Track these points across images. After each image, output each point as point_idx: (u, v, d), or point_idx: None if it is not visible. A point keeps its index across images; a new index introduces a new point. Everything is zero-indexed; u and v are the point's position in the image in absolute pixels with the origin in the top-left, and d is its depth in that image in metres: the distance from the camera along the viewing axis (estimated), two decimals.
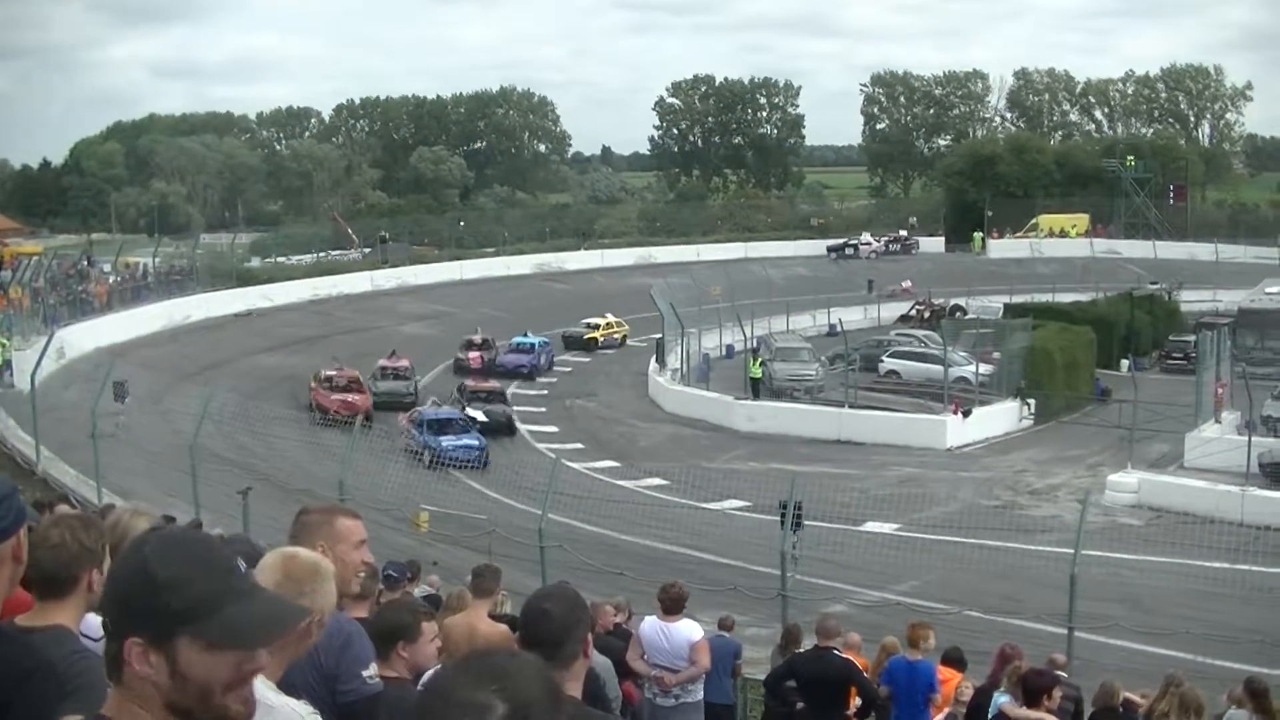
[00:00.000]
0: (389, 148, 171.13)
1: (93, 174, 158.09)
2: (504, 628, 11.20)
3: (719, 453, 50.10)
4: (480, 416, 51.72)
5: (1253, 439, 44.75)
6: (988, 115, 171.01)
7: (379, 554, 19.37)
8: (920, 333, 67.24)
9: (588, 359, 71.97)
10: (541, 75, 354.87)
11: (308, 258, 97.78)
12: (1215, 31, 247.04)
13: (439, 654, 7.18)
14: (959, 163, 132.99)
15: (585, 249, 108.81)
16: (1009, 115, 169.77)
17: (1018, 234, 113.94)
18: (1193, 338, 61.42)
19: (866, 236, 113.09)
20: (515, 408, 57.91)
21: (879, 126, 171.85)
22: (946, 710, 15.78)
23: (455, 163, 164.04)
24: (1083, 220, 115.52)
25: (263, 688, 3.31)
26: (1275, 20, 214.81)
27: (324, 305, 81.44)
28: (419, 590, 18.52)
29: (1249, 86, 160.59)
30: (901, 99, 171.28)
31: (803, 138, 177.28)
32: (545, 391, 62.93)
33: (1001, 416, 54.91)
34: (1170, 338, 69.74)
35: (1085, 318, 66.41)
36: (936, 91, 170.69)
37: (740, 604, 25.18)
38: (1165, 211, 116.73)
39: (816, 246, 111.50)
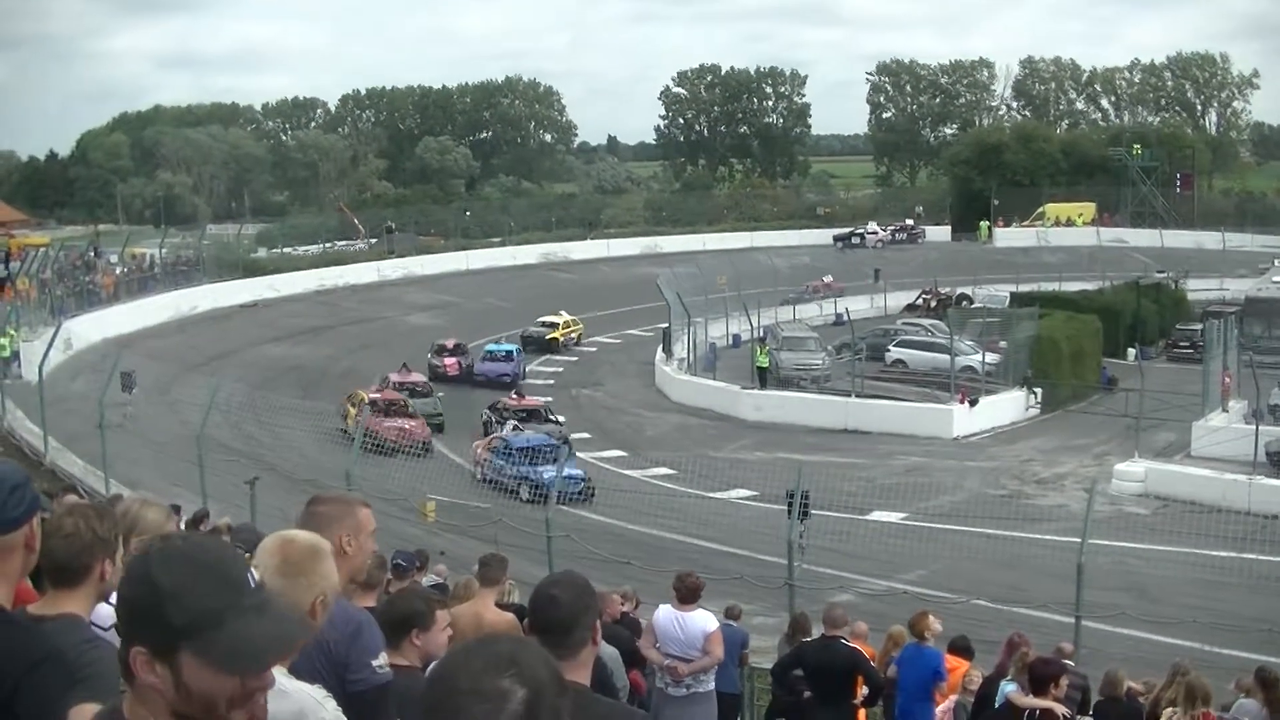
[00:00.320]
0: (395, 138, 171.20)
1: (99, 165, 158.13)
2: (511, 617, 11.21)
3: (725, 442, 50.06)
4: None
5: (1260, 428, 44.66)
6: (994, 104, 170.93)
7: (387, 544, 19.47)
8: (927, 322, 67.19)
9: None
10: (545, 65, 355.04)
11: (314, 248, 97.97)
12: (1220, 20, 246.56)
13: (448, 643, 7.20)
14: (965, 152, 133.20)
15: (591, 239, 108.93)
16: (1015, 104, 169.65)
17: (1024, 223, 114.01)
18: (1199, 326, 61.46)
19: (873, 226, 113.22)
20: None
21: (885, 116, 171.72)
22: (954, 699, 15.81)
23: (461, 153, 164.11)
24: (1089, 209, 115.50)
25: (277, 673, 3.30)
26: None
27: (330, 296, 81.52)
28: (426, 580, 18.54)
29: (1255, 75, 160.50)
30: (907, 88, 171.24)
31: (809, 127, 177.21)
32: (552, 381, 62.85)
33: (1008, 406, 54.84)
34: (1177, 327, 69.63)
35: (1092, 307, 66.24)
36: (942, 80, 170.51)
37: (747, 593, 25.18)
38: (1172, 200, 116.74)
39: (823, 236, 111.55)
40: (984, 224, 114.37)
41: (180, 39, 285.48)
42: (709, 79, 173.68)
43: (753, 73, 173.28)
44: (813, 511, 27.29)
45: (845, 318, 62.97)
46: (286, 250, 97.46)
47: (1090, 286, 75.90)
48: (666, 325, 63.35)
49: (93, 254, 77.82)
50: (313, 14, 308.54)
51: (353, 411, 45.48)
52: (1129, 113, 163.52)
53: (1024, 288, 75.80)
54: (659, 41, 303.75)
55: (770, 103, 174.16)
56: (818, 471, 34.03)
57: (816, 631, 16.03)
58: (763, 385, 56.72)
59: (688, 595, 14.46)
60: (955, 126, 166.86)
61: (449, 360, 61.79)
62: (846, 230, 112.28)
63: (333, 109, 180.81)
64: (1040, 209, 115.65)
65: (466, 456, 44.44)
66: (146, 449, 38.82)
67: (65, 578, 4.82)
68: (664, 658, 14.19)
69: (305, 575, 4.92)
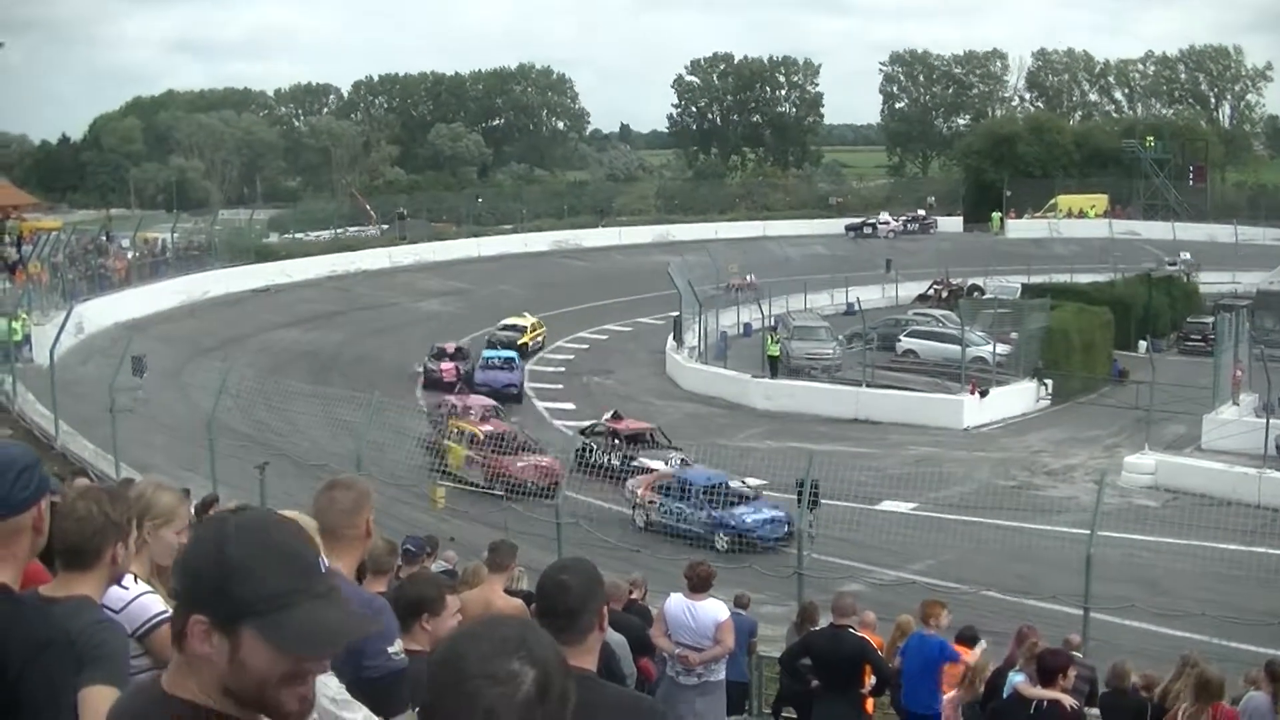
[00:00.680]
0: (407, 124, 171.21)
1: (111, 150, 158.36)
2: (519, 602, 11.25)
3: (736, 431, 50.05)
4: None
5: (1270, 421, 44.64)
6: (1007, 95, 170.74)
7: (397, 530, 19.54)
8: (938, 312, 67.04)
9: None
10: (558, 52, 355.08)
11: (326, 234, 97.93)
12: (1234, 12, 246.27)
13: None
14: (978, 142, 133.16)
15: (603, 226, 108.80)
16: (1028, 95, 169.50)
17: (1036, 214, 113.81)
18: (1211, 319, 61.40)
19: (885, 216, 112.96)
20: (530, 384, 57.94)
21: (898, 106, 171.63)
22: (956, 691, 15.85)
23: (473, 139, 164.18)
24: (1102, 201, 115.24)
25: None
26: None
27: (342, 281, 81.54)
28: (436, 566, 18.56)
29: (1269, 67, 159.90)
30: (920, 78, 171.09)
31: (821, 116, 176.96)
32: (562, 369, 62.88)
33: (1019, 397, 54.83)
34: (1188, 319, 69.60)
35: (1103, 298, 66.18)
36: (956, 71, 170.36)
37: (756, 582, 25.24)
38: (1185, 193, 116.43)
39: (834, 225, 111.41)
40: (996, 215, 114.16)
41: (194, 24, 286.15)
42: (722, 67, 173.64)
43: (765, 62, 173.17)
44: (822, 501, 27.32)
45: (857, 307, 62.76)
46: (298, 236, 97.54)
47: (1102, 278, 75.79)
48: (678, 313, 63.34)
49: (104, 238, 77.90)
50: (326, 0, 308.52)
51: (458, 450, 39.65)
52: (1142, 105, 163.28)
53: (1035, 279, 75.71)
54: (672, 29, 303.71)
55: (783, 92, 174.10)
56: (828, 461, 34.00)
57: (825, 620, 16.06)
58: (773, 374, 56.64)
59: (699, 584, 14.48)
60: (968, 117, 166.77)
61: (446, 366, 57.52)
62: (858, 220, 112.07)
63: (345, 95, 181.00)
64: (1052, 200, 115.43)
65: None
66: (157, 433, 38.85)
67: (76, 560, 4.83)
68: (675, 646, 14.21)
69: None
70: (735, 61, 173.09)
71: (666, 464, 39.59)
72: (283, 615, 2.96)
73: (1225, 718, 13.30)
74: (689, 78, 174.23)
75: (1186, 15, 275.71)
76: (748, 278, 74.20)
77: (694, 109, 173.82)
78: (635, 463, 40.15)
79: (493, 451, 38.25)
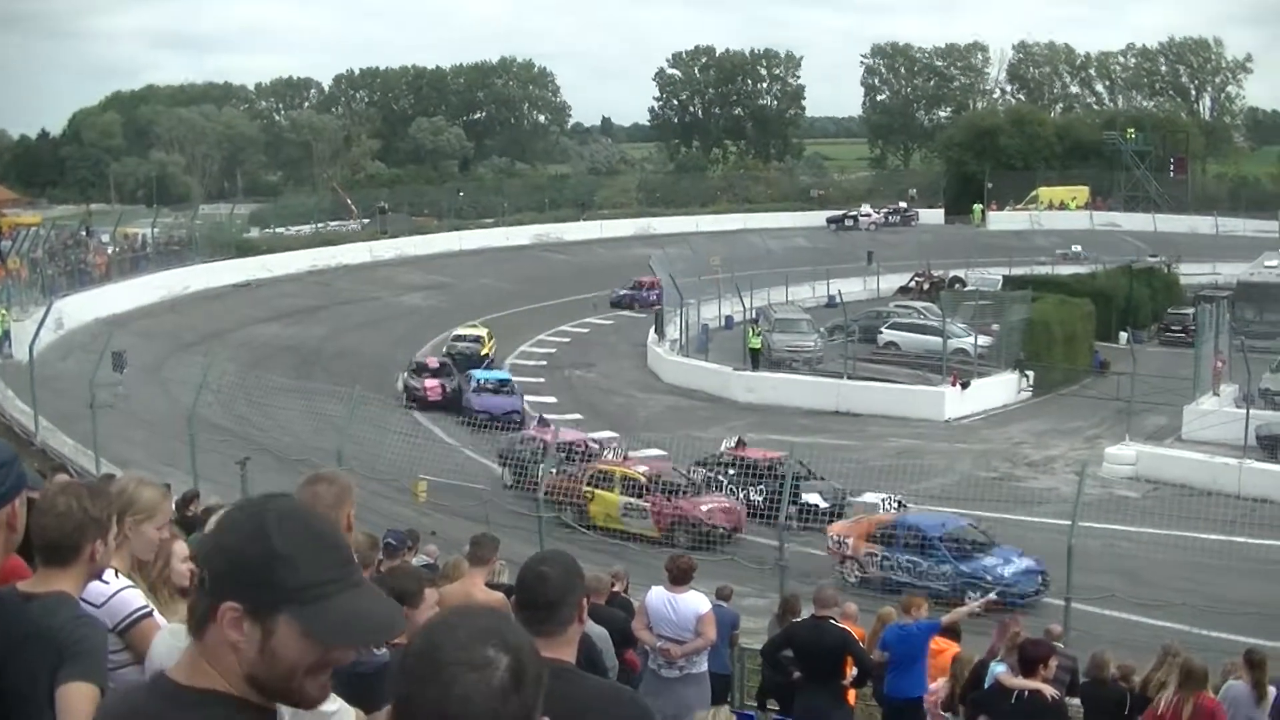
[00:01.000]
0: (388, 118, 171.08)
1: (91, 144, 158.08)
2: (500, 595, 11.23)
3: (717, 423, 50.00)
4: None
5: (1250, 412, 44.74)
6: (988, 87, 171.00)
7: (378, 524, 19.53)
8: (919, 304, 67.11)
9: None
10: (539, 46, 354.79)
11: (307, 228, 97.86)
12: (1215, 4, 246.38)
13: None
14: (959, 135, 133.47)
15: (584, 220, 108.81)
16: (1009, 87, 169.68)
17: (1018, 206, 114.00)
18: (1192, 310, 61.55)
19: (866, 208, 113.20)
20: (515, 376, 57.94)
21: (879, 98, 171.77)
22: (943, 680, 15.88)
23: (454, 133, 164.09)
24: (1083, 193, 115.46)
25: None
26: None
27: (323, 276, 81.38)
28: (417, 560, 18.56)
29: (1249, 59, 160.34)
30: (902, 70, 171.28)
31: (803, 109, 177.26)
32: (544, 362, 62.85)
33: (1000, 388, 54.92)
34: (1169, 310, 69.77)
35: (1084, 290, 66.36)
36: (937, 63, 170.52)
37: (738, 574, 25.26)
38: (1165, 184, 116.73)
39: (816, 218, 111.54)
40: (977, 207, 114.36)
41: (174, 18, 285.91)
42: (703, 60, 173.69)
43: (747, 55, 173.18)
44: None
45: (838, 300, 62.89)
46: (279, 230, 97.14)
47: (1083, 270, 75.96)
48: (659, 307, 63.35)
49: (84, 233, 77.72)
50: None
51: (610, 497, 34.75)
52: (1123, 97, 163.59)
53: (1017, 271, 75.83)
54: (653, 22, 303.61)
55: (765, 85, 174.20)
56: (809, 453, 34.11)
57: (807, 612, 16.09)
58: (755, 367, 56.74)
59: (680, 576, 14.49)
60: (949, 109, 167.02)
61: (431, 383, 51.97)
62: (840, 212, 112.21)
63: (326, 89, 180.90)
64: (1034, 192, 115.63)
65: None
66: (138, 429, 38.82)
67: (55, 556, 4.83)
68: (657, 639, 14.23)
69: None
70: (717, 54, 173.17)
71: (882, 505, 32.93)
72: (322, 605, 2.97)
73: (1206, 706, 13.34)
74: (670, 71, 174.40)
75: (1167, 7, 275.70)
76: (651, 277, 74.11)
77: (675, 102, 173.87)
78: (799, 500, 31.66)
79: (663, 495, 34.32)
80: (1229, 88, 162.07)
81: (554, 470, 32.12)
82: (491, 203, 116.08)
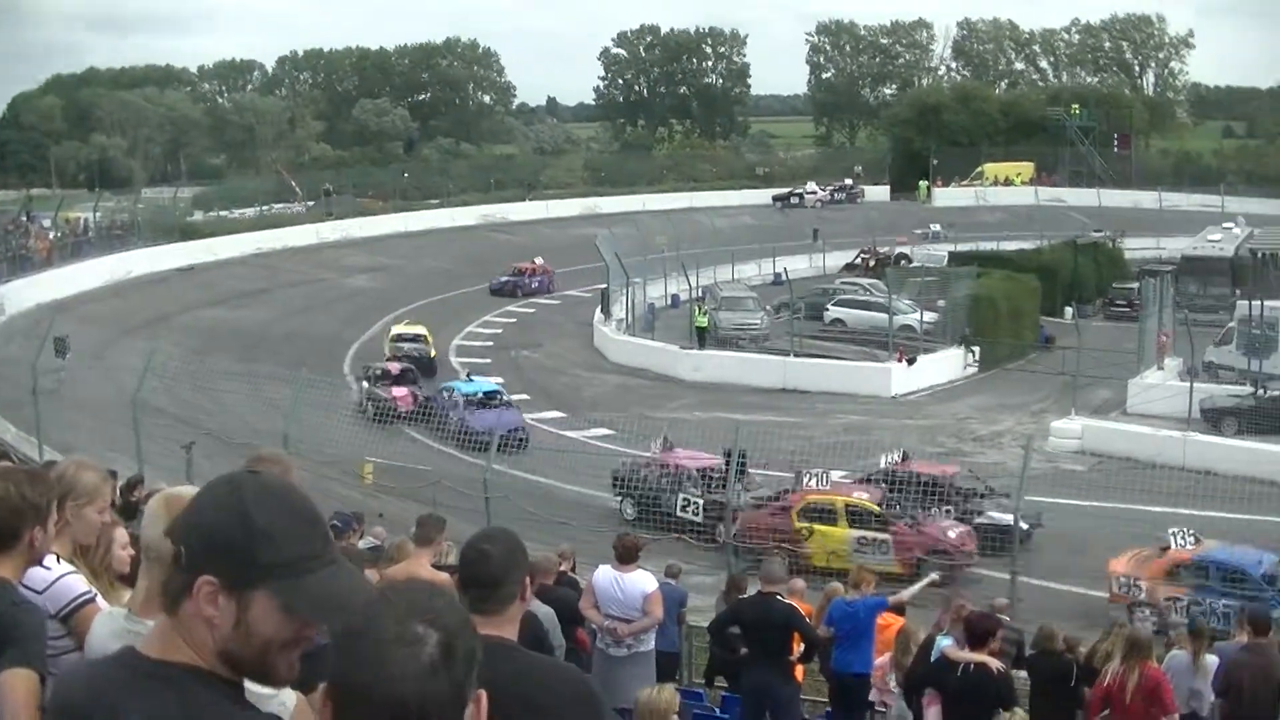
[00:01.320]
0: (333, 100, 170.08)
1: (31, 128, 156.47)
2: (446, 576, 11.22)
3: (665, 402, 50.13)
4: None
5: (1194, 385, 45.11)
6: (933, 65, 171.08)
7: (325, 506, 19.41)
8: (865, 281, 67.26)
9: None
10: (484, 26, 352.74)
11: (251, 211, 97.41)
12: None
13: None
14: (905, 112, 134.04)
15: (530, 200, 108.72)
16: (954, 64, 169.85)
17: (963, 182, 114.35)
18: (1136, 285, 61.91)
19: (812, 185, 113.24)
20: (458, 359, 57.67)
21: (825, 76, 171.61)
22: (888, 655, 15.95)
23: (399, 114, 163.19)
24: (1028, 169, 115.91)
25: None
26: None
27: (268, 259, 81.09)
28: (364, 542, 18.52)
29: (1191, 35, 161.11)
30: (847, 48, 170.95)
31: (748, 87, 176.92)
32: (489, 343, 62.73)
33: (946, 364, 55.13)
34: (1114, 285, 70.11)
35: (1030, 265, 66.58)
36: (882, 41, 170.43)
37: (686, 552, 25.32)
38: (1110, 160, 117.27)
39: (762, 196, 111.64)
40: (923, 183, 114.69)
41: (114, 1, 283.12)
42: (649, 39, 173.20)
43: (693, 33, 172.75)
44: (751, 470, 27.42)
45: (784, 277, 63.01)
46: (223, 214, 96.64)
47: (1028, 245, 76.25)
48: (605, 286, 63.35)
49: (25, 218, 77.13)
50: None
51: (837, 531, 30.01)
52: (1067, 73, 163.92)
53: (962, 247, 76.06)
54: (600, 2, 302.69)
55: (710, 63, 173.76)
56: (756, 431, 34.13)
57: (754, 589, 16.13)
58: (701, 345, 56.72)
59: (626, 555, 14.56)
60: (894, 87, 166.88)
61: (400, 392, 45.17)
62: (786, 190, 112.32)
63: (270, 71, 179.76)
64: (979, 169, 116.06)
65: None
66: (82, 415, 38.59)
67: None
68: (604, 618, 14.27)
69: None
70: (662, 33, 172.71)
71: (1179, 540, 27.28)
72: (301, 581, 2.97)
73: (1151, 676, 13.46)
74: (616, 50, 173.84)
75: None
76: (536, 260, 73.50)
77: (621, 81, 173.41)
78: (982, 518, 29.94)
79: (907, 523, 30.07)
80: (1172, 63, 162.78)
81: (740, 503, 29.03)
82: (437, 184, 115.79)
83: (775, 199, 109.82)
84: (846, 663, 15.90)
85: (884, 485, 31.08)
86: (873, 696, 16.08)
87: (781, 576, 15.25)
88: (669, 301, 65.58)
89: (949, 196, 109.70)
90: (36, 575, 5.25)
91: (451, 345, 59.50)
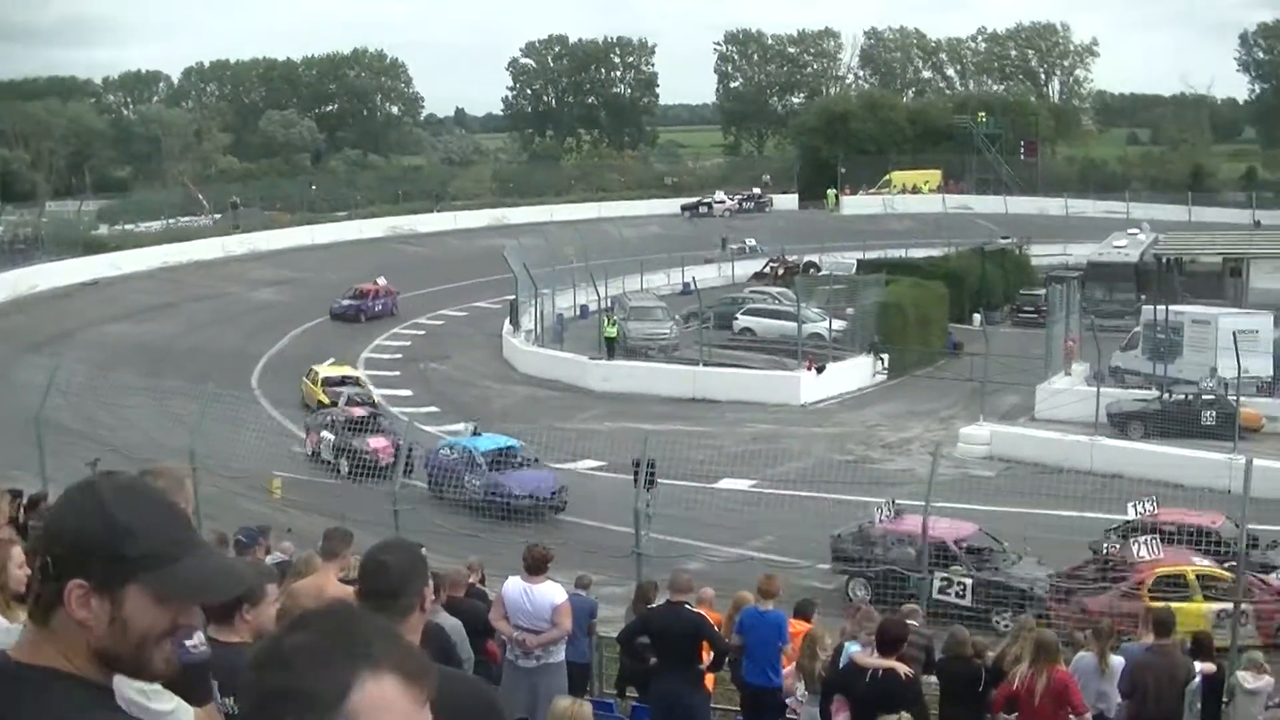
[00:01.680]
0: (239, 112, 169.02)
1: None
2: (351, 590, 11.14)
3: (574, 413, 50.10)
4: None
5: (1101, 390, 45.68)
6: (841, 73, 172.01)
7: (232, 522, 19.29)
8: (774, 290, 67.57)
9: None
10: (392, 36, 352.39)
11: (157, 225, 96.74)
12: None
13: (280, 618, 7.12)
14: (812, 120, 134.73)
15: (438, 211, 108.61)
16: (862, 73, 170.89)
17: (871, 190, 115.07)
18: (1043, 291, 62.41)
19: (720, 195, 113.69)
20: (366, 371, 57.38)
21: (733, 85, 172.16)
22: (797, 660, 15.96)
23: (307, 126, 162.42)
24: (935, 176, 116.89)
25: None
26: None
27: (175, 273, 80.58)
28: (271, 558, 18.36)
29: (1095, 43, 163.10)
30: (755, 57, 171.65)
31: (657, 97, 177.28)
32: (398, 355, 62.48)
33: (855, 372, 55.37)
34: (1021, 291, 70.70)
35: (938, 273, 67.06)
36: (790, 50, 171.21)
37: (596, 563, 25.25)
38: (1016, 167, 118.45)
39: (670, 205, 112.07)
40: (831, 192, 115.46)
41: (15, 8, 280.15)
42: (557, 49, 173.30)
43: (601, 43, 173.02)
44: (660, 480, 27.37)
45: (693, 287, 63.16)
46: (129, 227, 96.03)
47: (936, 253, 76.76)
48: (514, 297, 63.26)
49: None
50: None
51: (1194, 608, 23.74)
52: (974, 81, 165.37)
53: (871, 255, 76.51)
54: (507, 12, 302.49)
55: (618, 73, 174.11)
56: (666, 440, 34.12)
57: (663, 598, 16.11)
58: (610, 355, 56.73)
59: (535, 566, 14.51)
60: (802, 96, 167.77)
61: (379, 443, 37.03)
62: (694, 200, 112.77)
63: (176, 83, 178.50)
64: (887, 176, 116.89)
65: None
66: None
67: None
68: (513, 629, 14.23)
69: None
70: (570, 43, 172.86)
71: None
72: (170, 569, 2.97)
73: (1060, 678, 13.54)
74: (524, 60, 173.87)
75: None
76: (379, 280, 72.70)
77: (529, 91, 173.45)
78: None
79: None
80: (1077, 71, 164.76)
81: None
82: (344, 196, 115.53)
83: (683, 208, 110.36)
84: (758, 672, 15.90)
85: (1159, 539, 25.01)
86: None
87: (690, 585, 15.25)
88: (578, 312, 65.55)
89: (857, 204, 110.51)
90: None
91: (360, 359, 59.16)
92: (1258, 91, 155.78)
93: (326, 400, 47.12)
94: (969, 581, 26.50)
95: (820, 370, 53.39)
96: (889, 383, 55.91)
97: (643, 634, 15.08)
